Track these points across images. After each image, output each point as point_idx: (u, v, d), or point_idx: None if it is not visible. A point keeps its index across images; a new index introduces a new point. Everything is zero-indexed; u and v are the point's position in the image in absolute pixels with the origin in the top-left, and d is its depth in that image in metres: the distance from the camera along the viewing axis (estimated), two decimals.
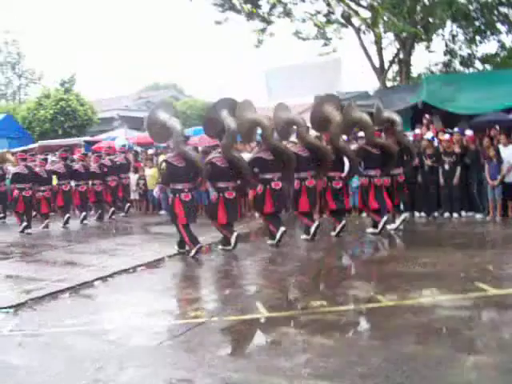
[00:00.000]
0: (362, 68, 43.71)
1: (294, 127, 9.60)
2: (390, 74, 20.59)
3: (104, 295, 6.78)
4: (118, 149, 15.71)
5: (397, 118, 10.26)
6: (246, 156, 10.20)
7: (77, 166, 14.02)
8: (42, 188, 13.01)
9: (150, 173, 15.00)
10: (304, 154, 9.45)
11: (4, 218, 15.08)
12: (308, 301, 5.71)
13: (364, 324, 5.20)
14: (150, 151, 15.84)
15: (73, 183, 13.92)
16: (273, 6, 19.32)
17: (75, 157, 14.88)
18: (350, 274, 7.43)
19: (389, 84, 20.00)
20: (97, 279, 7.35)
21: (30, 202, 12.78)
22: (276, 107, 9.65)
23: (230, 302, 5.98)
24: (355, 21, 19.17)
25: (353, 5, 18.96)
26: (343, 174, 10.07)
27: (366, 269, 7.70)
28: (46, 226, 13.09)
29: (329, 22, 19.43)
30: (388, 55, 19.65)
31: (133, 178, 15.47)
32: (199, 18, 65.68)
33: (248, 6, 18.52)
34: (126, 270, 7.88)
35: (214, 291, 6.57)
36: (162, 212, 14.41)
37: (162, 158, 12.47)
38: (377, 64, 19.36)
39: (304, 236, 9.64)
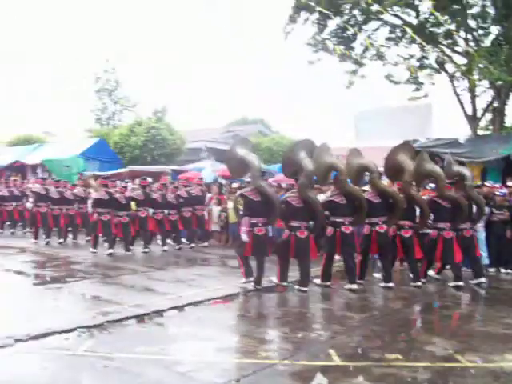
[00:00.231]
0: (454, 114, 42.78)
1: (367, 173, 9.80)
2: (482, 123, 20.07)
3: (177, 325, 6.85)
4: (195, 181, 16.20)
5: (467, 172, 10.13)
6: (320, 198, 10.33)
7: (155, 194, 14.53)
8: (121, 213, 13.57)
9: (233, 206, 15.13)
10: (376, 201, 9.54)
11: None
12: (383, 353, 5.55)
13: None
14: (235, 184, 15.96)
15: (151, 211, 14.36)
16: (366, 49, 19.36)
17: (154, 186, 15.44)
18: (429, 328, 7.17)
19: (480, 133, 19.48)
20: (171, 308, 7.46)
21: (109, 226, 13.36)
22: (349, 152, 9.85)
23: (303, 345, 5.90)
24: (449, 67, 18.90)
25: (448, 51, 18.72)
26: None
27: (446, 324, 7.43)
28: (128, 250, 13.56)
29: (422, 66, 19.25)
30: (481, 103, 19.18)
31: (215, 209, 15.65)
32: (291, 56, 66.83)
33: (341, 48, 18.63)
34: (200, 302, 7.95)
35: (287, 333, 6.46)
36: None
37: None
38: (469, 111, 18.93)
39: (383, 284, 9.52)
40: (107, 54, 66.47)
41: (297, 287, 9.00)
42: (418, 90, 19.59)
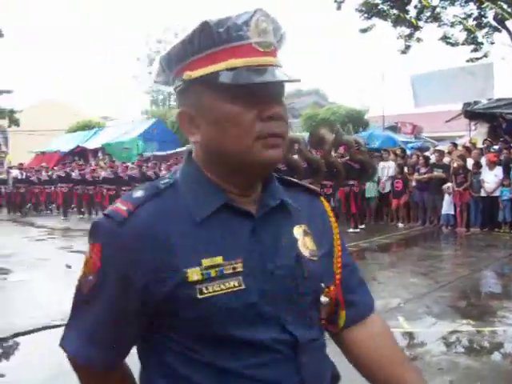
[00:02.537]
0: None
1: (296, 144, 12.22)
2: None
3: None
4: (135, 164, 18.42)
5: (361, 139, 13.36)
6: None
7: (149, 172, 17.22)
8: (124, 188, 16.09)
9: None
10: (303, 166, 11.77)
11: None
12: (454, 319, 5.49)
13: None
14: None
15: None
16: (421, 11, 18.83)
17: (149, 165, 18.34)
18: (500, 293, 7.04)
19: None
20: None
21: (114, 200, 15.89)
22: None
23: None
24: (509, 23, 18.19)
25: (506, 7, 18.00)
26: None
27: None
28: None
29: (480, 25, 18.60)
30: None
31: None
32: (343, 23, 65.38)
33: (395, 11, 18.20)
34: None
35: None
36: None
37: None
38: None
39: None
40: (158, 34, 66.68)
41: None
42: (476, 50, 18.99)
